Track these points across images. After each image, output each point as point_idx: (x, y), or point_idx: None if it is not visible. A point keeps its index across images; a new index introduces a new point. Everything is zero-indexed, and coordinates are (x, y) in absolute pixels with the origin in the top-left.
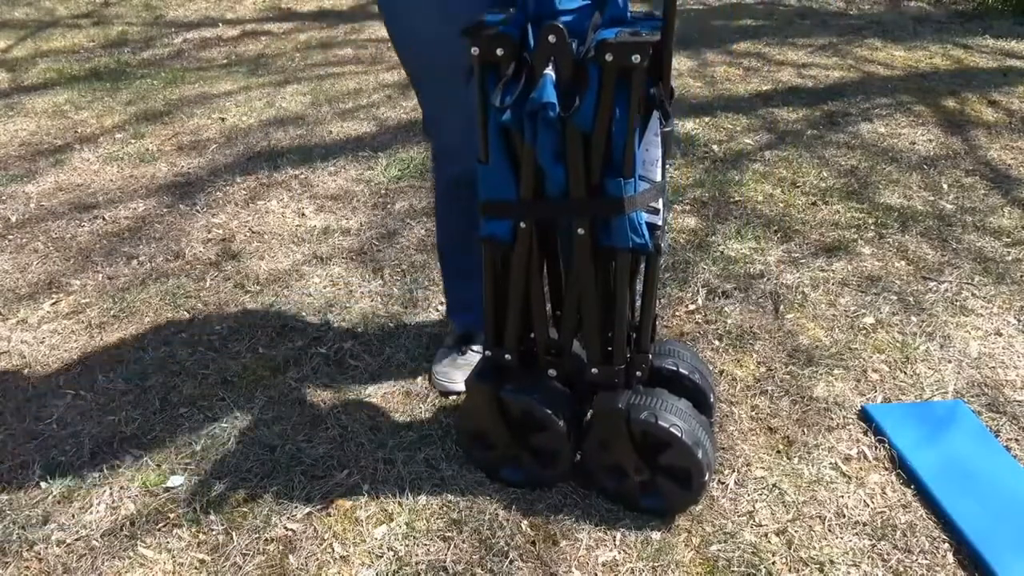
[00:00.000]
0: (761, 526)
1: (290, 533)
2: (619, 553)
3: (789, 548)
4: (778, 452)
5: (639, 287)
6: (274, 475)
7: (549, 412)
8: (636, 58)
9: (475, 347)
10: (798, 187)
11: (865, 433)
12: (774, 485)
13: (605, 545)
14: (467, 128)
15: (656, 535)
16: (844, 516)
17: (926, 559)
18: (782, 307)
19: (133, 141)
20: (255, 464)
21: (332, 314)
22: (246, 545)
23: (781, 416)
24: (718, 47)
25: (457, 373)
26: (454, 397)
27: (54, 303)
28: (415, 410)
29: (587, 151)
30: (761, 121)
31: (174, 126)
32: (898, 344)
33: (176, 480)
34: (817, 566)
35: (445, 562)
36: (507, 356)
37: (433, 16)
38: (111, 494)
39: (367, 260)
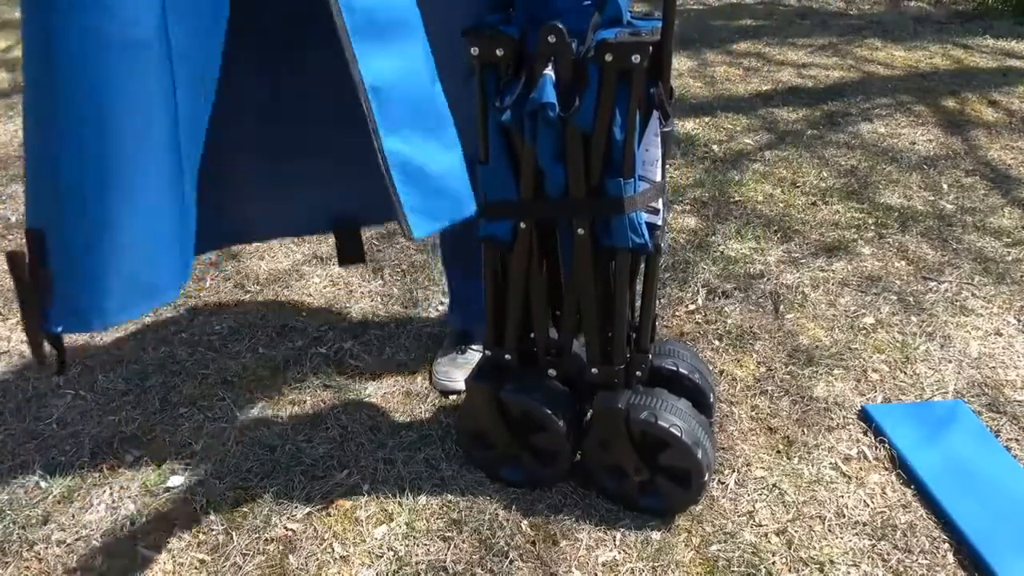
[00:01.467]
0: (761, 526)
1: (290, 533)
2: (619, 553)
3: (789, 548)
4: (778, 452)
5: (639, 287)
6: (274, 475)
7: (549, 412)
8: (636, 58)
9: (475, 346)
10: (798, 187)
11: (865, 433)
12: (774, 485)
13: (605, 545)
14: (463, 129)
15: (656, 535)
16: (844, 516)
17: (926, 559)
18: (782, 307)
19: None
20: (255, 464)
21: (332, 314)
22: (246, 545)
23: (781, 416)
24: (718, 47)
25: (457, 372)
26: (454, 397)
27: None
28: (415, 410)
29: (587, 151)
30: (761, 121)
31: None
32: (898, 344)
33: (176, 480)
34: (817, 566)
35: (445, 562)
36: (507, 356)
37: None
38: (111, 494)
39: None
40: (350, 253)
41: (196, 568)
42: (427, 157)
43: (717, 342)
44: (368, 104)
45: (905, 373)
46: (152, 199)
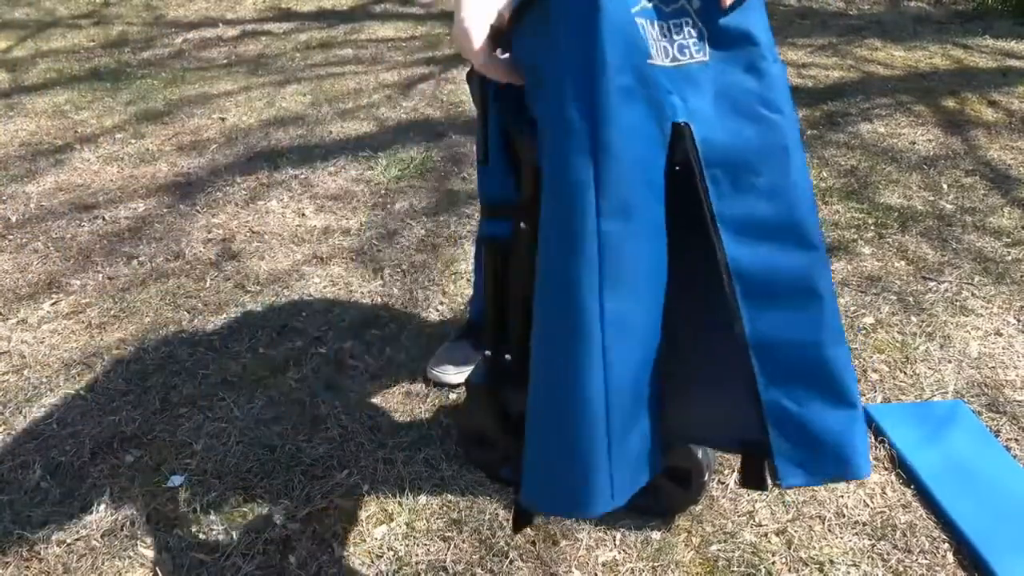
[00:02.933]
0: (761, 526)
1: (290, 533)
2: (619, 553)
3: (789, 548)
4: None
5: None
6: (274, 475)
7: None
8: None
9: (472, 340)
10: None
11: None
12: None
13: (605, 545)
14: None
15: (656, 535)
16: (844, 516)
17: (926, 559)
18: None
19: (133, 141)
20: (255, 464)
21: (332, 314)
22: (246, 545)
23: None
24: None
25: (449, 365)
26: (453, 396)
27: (54, 303)
28: (415, 410)
29: None
30: None
31: (174, 126)
32: (898, 344)
33: (176, 480)
34: (817, 566)
35: (445, 562)
36: (507, 356)
37: None
38: (111, 494)
39: (367, 260)
40: (751, 480)
41: (196, 568)
42: (810, 412)
43: None
44: (749, 359)
45: (905, 373)
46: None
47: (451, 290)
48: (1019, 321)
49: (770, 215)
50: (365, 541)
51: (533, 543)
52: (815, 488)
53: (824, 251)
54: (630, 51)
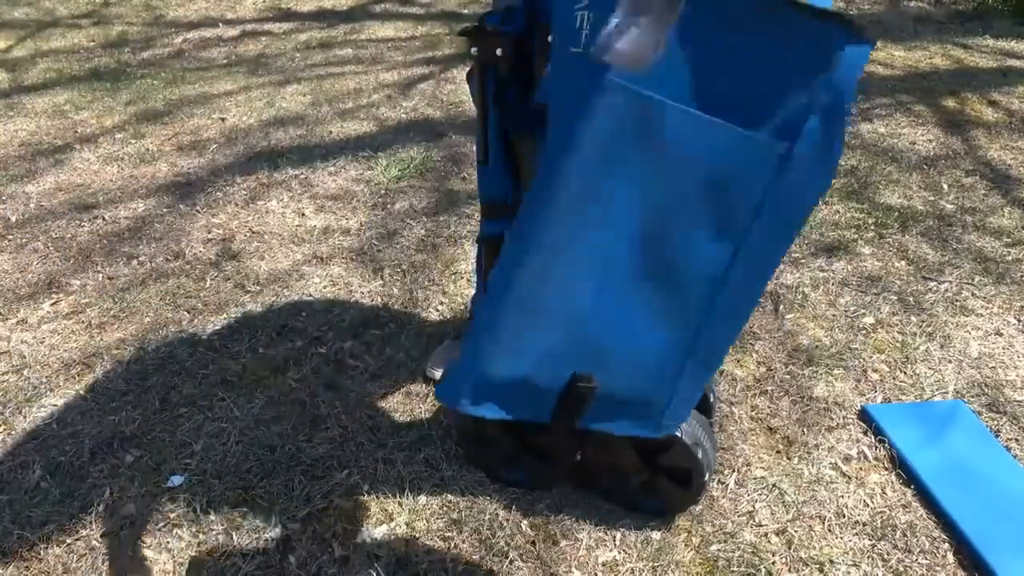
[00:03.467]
0: (761, 526)
1: (290, 533)
2: (619, 553)
3: (789, 548)
4: (778, 452)
5: None
6: (274, 475)
7: None
8: None
9: None
10: None
11: (865, 433)
12: (774, 485)
13: (605, 545)
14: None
15: (656, 535)
16: (844, 516)
17: (926, 559)
18: (782, 307)
19: (133, 141)
20: (255, 464)
21: (332, 314)
22: (246, 545)
23: (781, 416)
24: None
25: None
26: None
27: (54, 303)
28: (415, 410)
29: None
30: None
31: (174, 126)
32: (898, 344)
33: (176, 480)
34: (817, 566)
35: (445, 562)
36: None
37: None
38: (111, 494)
39: (367, 260)
40: None
41: (196, 568)
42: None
43: None
44: None
45: (905, 373)
46: None
47: (451, 290)
48: (1019, 321)
49: None
50: (365, 541)
51: (533, 543)
52: (815, 488)
53: None
54: (564, 38)
